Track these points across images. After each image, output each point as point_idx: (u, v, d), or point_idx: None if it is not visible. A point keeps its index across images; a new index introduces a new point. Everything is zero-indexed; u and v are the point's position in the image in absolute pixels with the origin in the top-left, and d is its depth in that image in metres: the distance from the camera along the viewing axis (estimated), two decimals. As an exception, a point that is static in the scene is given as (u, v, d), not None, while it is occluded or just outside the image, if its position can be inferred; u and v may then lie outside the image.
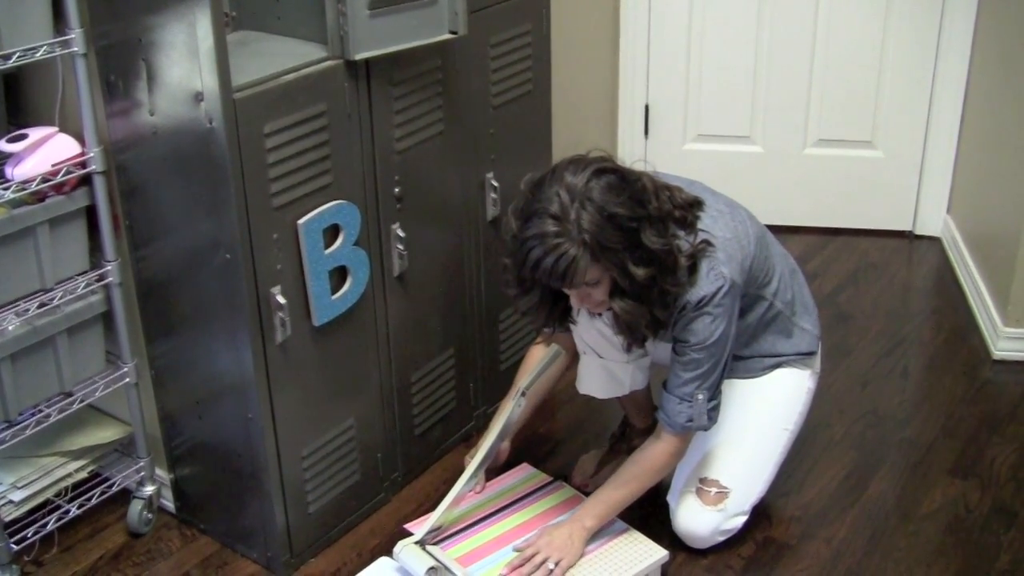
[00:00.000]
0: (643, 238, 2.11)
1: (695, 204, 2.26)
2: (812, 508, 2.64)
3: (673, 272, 2.17)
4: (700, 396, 2.28)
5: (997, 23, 3.43)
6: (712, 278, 2.22)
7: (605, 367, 2.51)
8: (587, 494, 2.52)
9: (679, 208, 2.23)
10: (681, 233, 2.22)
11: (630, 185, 2.13)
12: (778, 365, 2.52)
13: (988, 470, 2.76)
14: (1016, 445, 2.83)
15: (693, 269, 2.21)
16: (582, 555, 2.39)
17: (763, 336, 2.47)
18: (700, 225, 2.25)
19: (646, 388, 2.62)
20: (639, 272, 2.12)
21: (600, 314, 2.37)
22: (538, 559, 2.34)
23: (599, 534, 2.44)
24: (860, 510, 2.64)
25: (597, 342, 2.47)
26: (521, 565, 2.34)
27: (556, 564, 2.33)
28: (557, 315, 2.35)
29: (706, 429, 2.34)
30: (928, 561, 2.48)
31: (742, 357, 2.50)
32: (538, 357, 2.57)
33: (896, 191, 3.88)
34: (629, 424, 2.77)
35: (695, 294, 2.21)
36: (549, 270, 2.09)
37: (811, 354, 2.55)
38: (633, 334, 2.25)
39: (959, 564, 2.47)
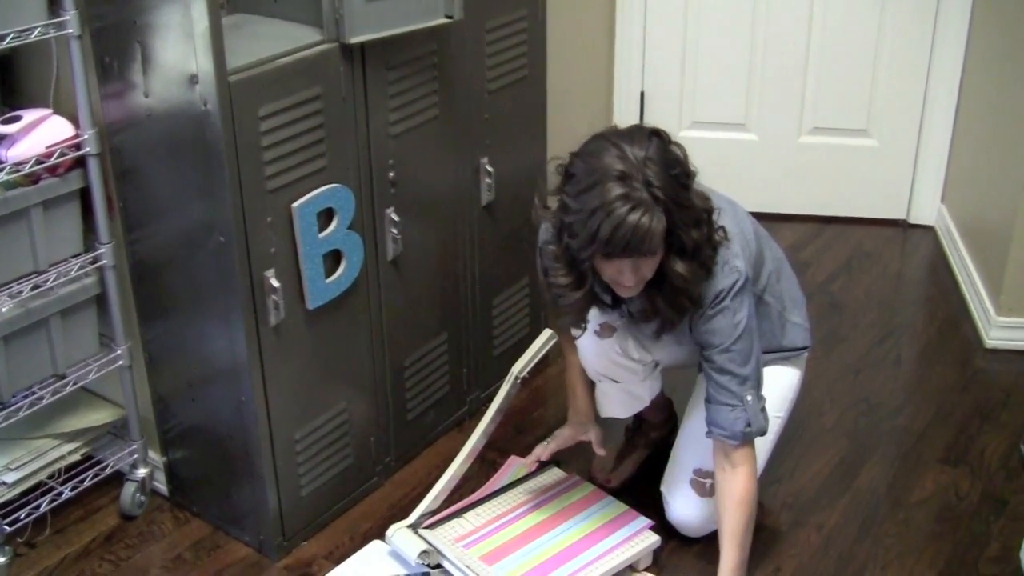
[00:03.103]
0: (692, 198, 2.07)
1: (706, 196, 2.25)
2: (803, 495, 2.65)
3: (710, 240, 2.13)
4: (748, 397, 2.21)
5: (993, 13, 3.43)
6: (727, 272, 2.18)
7: (623, 389, 2.51)
8: (609, 490, 2.57)
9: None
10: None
11: (675, 146, 2.08)
12: (769, 363, 2.51)
13: (979, 458, 2.76)
14: (1007, 434, 2.84)
15: (714, 252, 2.18)
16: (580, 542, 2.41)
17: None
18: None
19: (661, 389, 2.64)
20: (695, 234, 2.08)
21: (610, 336, 2.39)
22: None
23: (592, 519, 2.45)
24: (851, 497, 2.64)
25: (610, 369, 2.47)
26: None
27: None
28: (589, 306, 2.27)
29: (764, 433, 2.25)
30: (918, 548, 2.49)
31: None
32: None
33: (890, 180, 3.88)
34: (644, 419, 2.77)
35: (711, 288, 2.18)
36: (626, 238, 1.97)
37: (805, 349, 2.55)
38: (678, 304, 2.16)
39: (949, 551, 2.48)
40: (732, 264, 2.19)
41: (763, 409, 2.25)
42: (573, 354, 2.54)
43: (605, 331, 2.40)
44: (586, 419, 2.58)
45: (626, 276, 2.08)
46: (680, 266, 2.09)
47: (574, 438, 2.57)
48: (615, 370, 2.46)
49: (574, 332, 2.42)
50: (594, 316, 2.40)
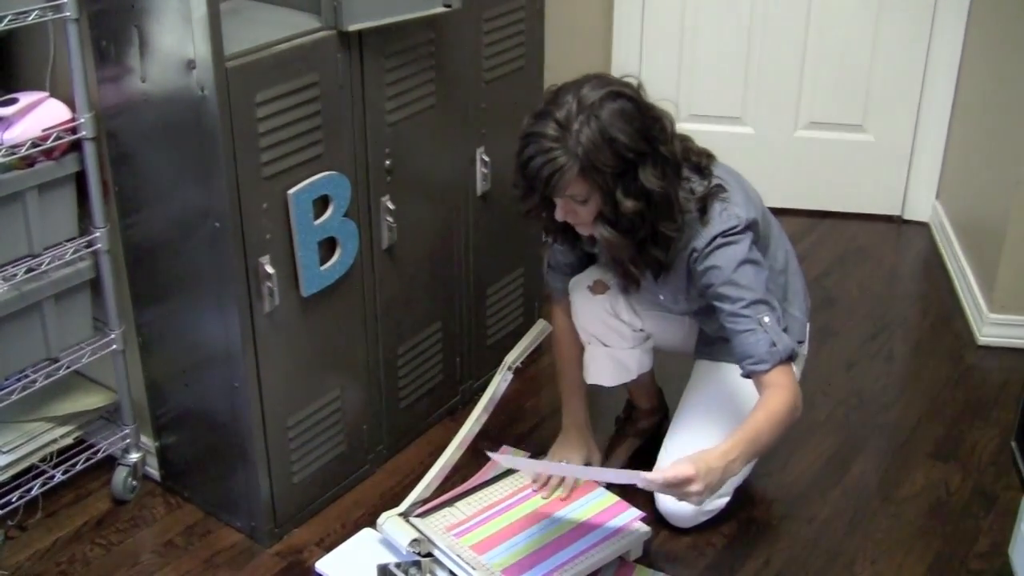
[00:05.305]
0: (640, 172, 2.11)
1: (709, 155, 2.28)
2: (794, 488, 2.65)
3: (670, 216, 2.17)
4: (765, 318, 2.19)
5: (990, 10, 3.43)
6: (725, 217, 2.21)
7: (611, 355, 2.51)
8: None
9: (695, 155, 2.24)
10: (695, 178, 2.23)
11: (644, 118, 2.13)
12: None
13: (970, 454, 2.77)
14: (998, 430, 2.85)
15: (703, 211, 2.21)
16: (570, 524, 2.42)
17: None
18: (716, 171, 2.27)
19: (650, 370, 2.63)
20: (627, 204, 2.11)
21: (602, 293, 2.42)
22: (696, 487, 2.07)
23: (583, 509, 2.46)
24: (842, 491, 2.65)
25: (600, 330, 2.48)
26: (673, 483, 2.08)
27: (698, 499, 2.12)
28: (556, 226, 2.32)
29: (793, 354, 2.21)
30: (908, 543, 2.50)
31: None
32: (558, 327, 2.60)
33: (886, 175, 3.88)
34: (634, 406, 2.78)
35: (707, 234, 2.21)
36: (535, 172, 2.12)
37: (800, 343, 2.55)
38: (622, 268, 2.26)
39: (939, 546, 2.49)
40: (731, 211, 2.22)
41: (787, 331, 2.23)
42: (565, 350, 2.58)
43: (598, 288, 2.43)
44: (581, 433, 2.60)
45: (559, 212, 2.21)
46: (603, 230, 2.18)
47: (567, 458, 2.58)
48: (605, 331, 2.47)
49: (553, 283, 2.56)
50: (590, 272, 2.48)
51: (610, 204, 2.13)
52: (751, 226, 2.24)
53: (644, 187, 2.11)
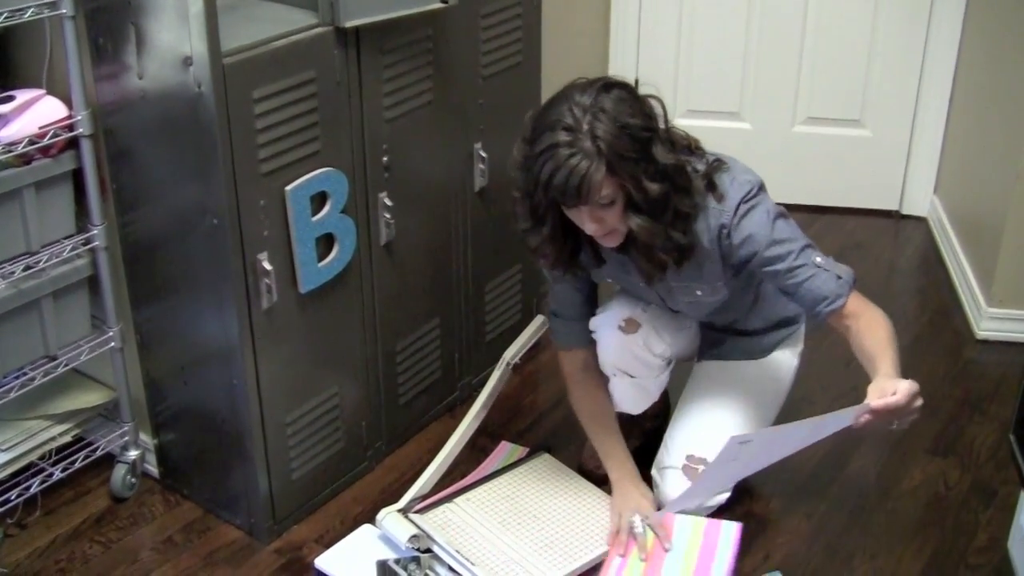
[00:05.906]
0: (655, 152, 2.10)
1: (696, 139, 2.27)
2: (793, 484, 2.65)
3: (687, 192, 2.16)
4: (817, 259, 2.22)
5: (987, 4, 3.43)
6: (738, 186, 2.21)
7: (637, 384, 2.50)
8: (599, 476, 2.57)
9: (683, 138, 2.24)
10: (692, 158, 2.23)
11: (639, 100, 2.13)
12: (772, 348, 2.52)
13: (968, 449, 2.77)
14: (996, 424, 2.85)
15: (712, 187, 2.20)
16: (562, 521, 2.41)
17: (764, 300, 2.46)
18: (710, 151, 2.27)
19: None
20: (653, 188, 2.09)
21: (635, 331, 2.39)
22: (920, 402, 2.04)
23: (590, 503, 2.45)
24: (840, 486, 2.65)
25: (630, 364, 2.45)
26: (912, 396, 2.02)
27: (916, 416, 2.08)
28: (567, 255, 2.29)
29: (854, 277, 2.24)
30: (907, 538, 2.50)
31: (745, 332, 2.50)
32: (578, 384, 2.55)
33: (884, 170, 3.88)
34: None
35: (728, 207, 2.20)
36: (563, 184, 2.04)
37: (801, 323, 2.57)
38: (651, 257, 2.20)
39: (937, 541, 2.49)
40: (740, 179, 2.23)
41: (837, 263, 2.24)
42: (588, 402, 2.55)
43: (630, 326, 2.41)
44: (635, 483, 2.49)
45: (586, 224, 2.14)
46: (636, 220, 2.12)
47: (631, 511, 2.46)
48: (635, 365, 2.45)
49: (562, 330, 2.49)
50: (615, 311, 2.43)
51: (640, 192, 2.09)
52: (763, 187, 2.25)
53: (663, 165, 2.10)
